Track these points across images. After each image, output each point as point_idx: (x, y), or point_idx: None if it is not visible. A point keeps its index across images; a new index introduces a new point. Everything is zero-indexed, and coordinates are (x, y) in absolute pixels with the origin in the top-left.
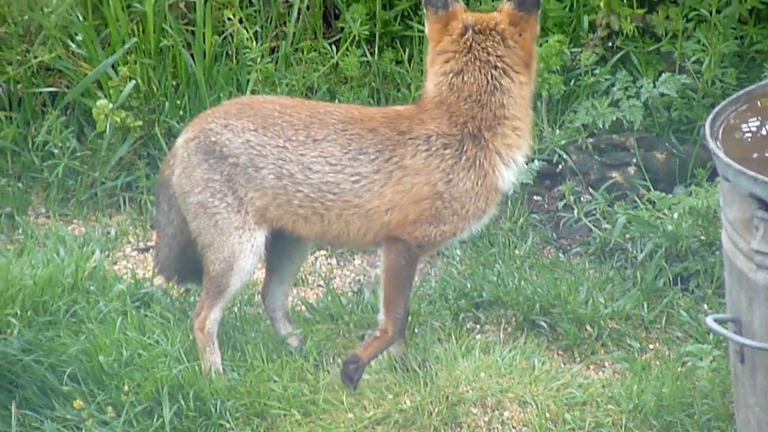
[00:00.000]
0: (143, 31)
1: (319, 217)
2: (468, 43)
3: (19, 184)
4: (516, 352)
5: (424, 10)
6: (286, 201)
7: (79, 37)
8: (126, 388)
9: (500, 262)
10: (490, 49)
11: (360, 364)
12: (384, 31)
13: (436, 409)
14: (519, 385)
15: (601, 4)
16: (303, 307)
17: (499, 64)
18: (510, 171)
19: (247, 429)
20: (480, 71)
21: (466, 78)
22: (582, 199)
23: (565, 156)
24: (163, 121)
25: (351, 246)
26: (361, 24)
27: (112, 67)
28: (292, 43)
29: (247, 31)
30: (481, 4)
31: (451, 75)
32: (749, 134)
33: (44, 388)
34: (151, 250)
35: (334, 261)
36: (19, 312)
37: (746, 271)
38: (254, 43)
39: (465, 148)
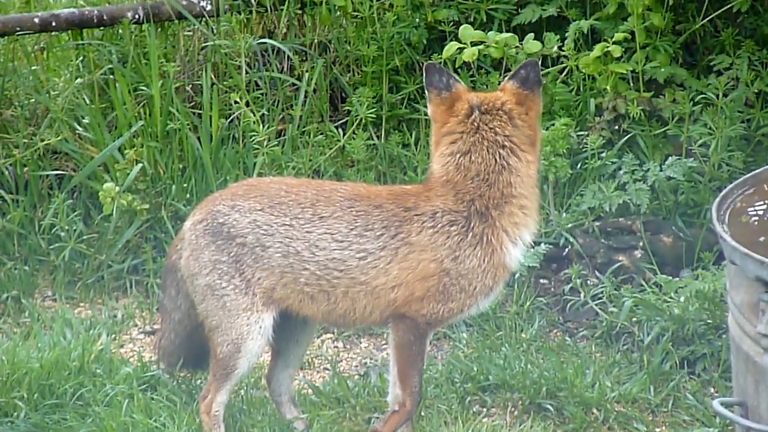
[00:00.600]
0: (150, 114)
1: (325, 295)
2: (475, 124)
3: (26, 267)
4: None
5: (427, 92)
6: (292, 279)
7: (85, 120)
8: None
9: (507, 345)
10: (497, 129)
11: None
12: (390, 114)
13: None
14: None
15: (608, 88)
16: (309, 390)
17: (506, 143)
18: (517, 249)
19: None
20: (488, 151)
21: (473, 158)
22: (589, 282)
23: (571, 239)
24: (169, 204)
25: (357, 326)
26: (368, 107)
27: (119, 150)
28: (298, 126)
29: (254, 114)
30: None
31: (458, 155)
32: (756, 218)
33: None
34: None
35: (340, 344)
36: (25, 395)
37: (753, 355)
38: (261, 126)
39: (471, 224)
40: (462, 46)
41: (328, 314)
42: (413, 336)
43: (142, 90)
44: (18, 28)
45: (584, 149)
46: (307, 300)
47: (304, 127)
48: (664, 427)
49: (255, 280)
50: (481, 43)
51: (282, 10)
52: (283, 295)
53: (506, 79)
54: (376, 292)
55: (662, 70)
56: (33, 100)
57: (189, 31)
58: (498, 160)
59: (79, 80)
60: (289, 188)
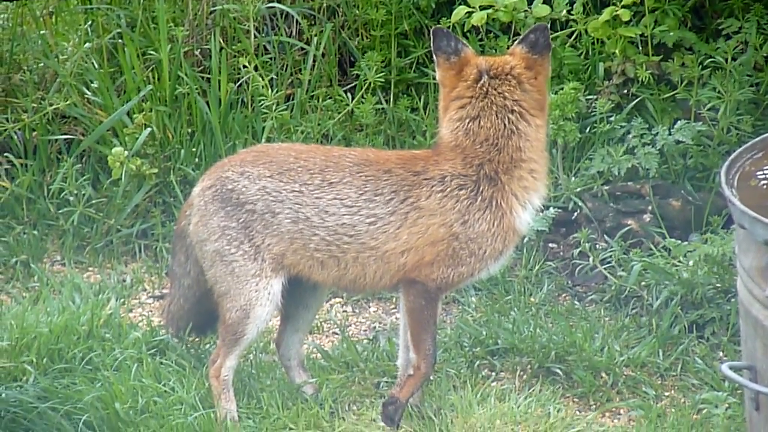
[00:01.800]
0: (158, 79)
1: (335, 260)
2: (484, 89)
3: (35, 232)
4: (531, 399)
5: (435, 57)
6: (302, 246)
7: (94, 85)
8: None
9: (515, 309)
10: (506, 94)
11: (398, 404)
12: (399, 78)
13: None
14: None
15: (617, 52)
16: (318, 355)
17: (515, 108)
18: (527, 212)
19: None
20: (497, 116)
21: (482, 123)
22: (597, 246)
23: (580, 203)
24: (178, 169)
25: (367, 291)
26: (376, 71)
27: (128, 114)
28: (307, 91)
29: (263, 79)
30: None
31: (467, 120)
32: (765, 181)
33: None
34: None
35: (349, 308)
36: (34, 360)
37: (762, 319)
38: (269, 90)
39: (481, 189)
40: (471, 10)
41: (338, 280)
42: (424, 300)
43: (150, 54)
44: None
45: (593, 113)
46: (317, 266)
47: (312, 92)
48: (672, 391)
49: (264, 246)
50: (490, 7)
51: None
52: (293, 262)
53: (515, 43)
54: (386, 257)
55: (671, 33)
56: (42, 64)
57: None
58: (507, 124)
59: (87, 44)
60: (298, 154)
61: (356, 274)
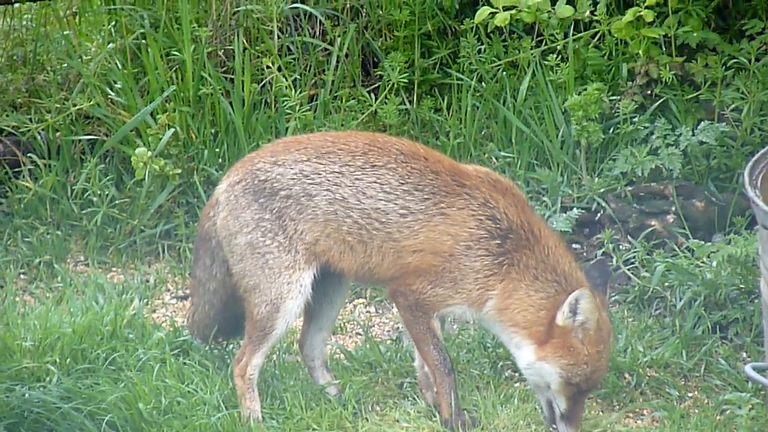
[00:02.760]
0: (182, 79)
1: (363, 246)
2: None
3: (58, 232)
4: None
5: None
6: (335, 228)
7: (118, 85)
8: None
9: None
10: None
11: (451, 421)
12: (422, 79)
13: None
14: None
15: (640, 52)
16: (342, 356)
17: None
18: (491, 303)
19: None
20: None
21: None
22: (621, 247)
23: (603, 204)
24: (201, 169)
25: (376, 280)
26: (400, 72)
27: (151, 115)
28: (330, 91)
29: (286, 79)
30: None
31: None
32: None
33: None
34: (189, 298)
35: (372, 309)
36: (58, 360)
37: None
38: (293, 91)
39: (504, 241)
40: (494, 10)
41: (361, 267)
42: (411, 315)
43: (174, 55)
44: None
45: (616, 114)
46: (347, 251)
47: (336, 92)
48: (696, 392)
49: (298, 235)
50: (513, 7)
51: None
52: (325, 247)
53: None
54: (402, 252)
55: (695, 34)
56: (65, 65)
57: None
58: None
59: (111, 45)
60: (336, 139)
61: (376, 263)
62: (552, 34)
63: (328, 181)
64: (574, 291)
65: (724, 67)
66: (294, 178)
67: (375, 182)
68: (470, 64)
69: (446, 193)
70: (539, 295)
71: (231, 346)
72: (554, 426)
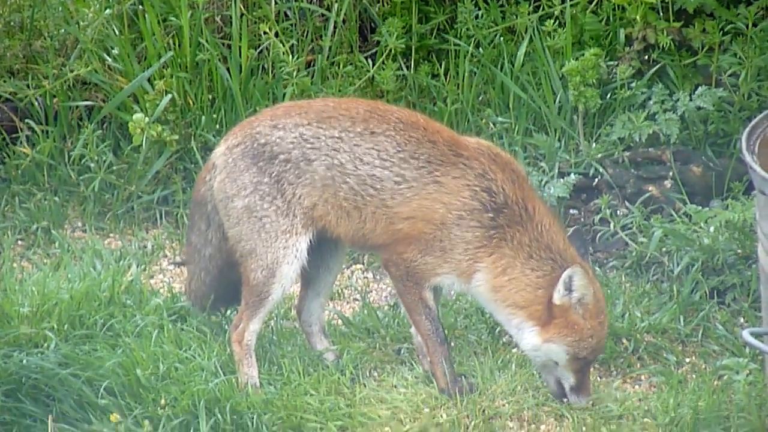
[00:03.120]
0: (179, 45)
1: (358, 212)
2: None
3: (56, 198)
4: None
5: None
6: (333, 194)
7: (115, 51)
8: (163, 401)
9: None
10: None
11: (448, 389)
12: (420, 44)
13: (473, 423)
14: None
15: (638, 18)
16: (339, 321)
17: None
18: (480, 276)
19: None
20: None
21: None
22: (618, 212)
23: (601, 170)
24: (199, 135)
25: (368, 247)
26: (397, 38)
27: (148, 80)
28: (328, 57)
29: (283, 45)
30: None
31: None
32: None
33: (81, 402)
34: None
35: (370, 275)
36: (55, 326)
37: None
38: (290, 57)
39: (497, 216)
40: None
41: (356, 233)
42: (403, 285)
43: (171, 21)
44: None
45: (614, 79)
46: (343, 216)
47: (333, 58)
48: (693, 357)
49: (296, 199)
50: None
51: None
52: (323, 212)
53: None
54: (394, 218)
55: (692, 0)
56: (62, 31)
57: None
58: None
59: (108, 11)
60: (338, 104)
61: (370, 229)
62: (549, 0)
63: (327, 146)
64: (568, 267)
65: (721, 33)
66: (293, 142)
67: (372, 149)
68: (467, 29)
69: (441, 162)
70: (536, 273)
71: (229, 312)
72: (565, 399)
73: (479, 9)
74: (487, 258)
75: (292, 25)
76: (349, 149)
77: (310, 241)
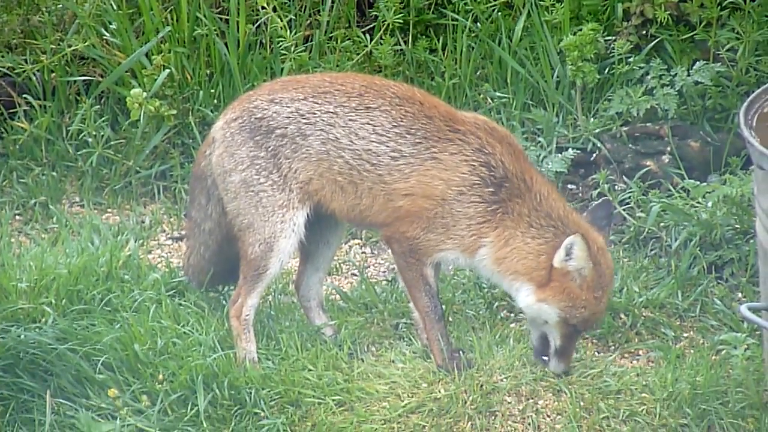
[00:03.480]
0: (177, 20)
1: (353, 187)
2: None
3: (54, 173)
4: None
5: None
6: (327, 168)
7: (113, 26)
8: (161, 376)
9: None
10: None
11: (444, 364)
12: (418, 19)
13: (471, 398)
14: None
15: None
16: (337, 296)
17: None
18: (485, 250)
19: (282, 417)
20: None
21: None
22: (616, 187)
23: (599, 144)
24: (197, 110)
25: (367, 224)
26: (395, 12)
27: (146, 55)
28: (326, 32)
29: (281, 20)
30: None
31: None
32: None
33: (79, 377)
34: (185, 240)
35: (368, 250)
36: (53, 301)
37: None
38: (288, 31)
39: (498, 190)
40: None
41: (351, 209)
42: (405, 262)
43: None
44: None
45: (612, 54)
46: (338, 191)
47: (331, 33)
48: (691, 332)
49: (292, 173)
50: None
51: None
52: (318, 187)
53: None
54: (392, 195)
55: None
56: (60, 5)
57: None
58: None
59: None
60: (334, 79)
61: (366, 205)
62: None
63: (323, 121)
64: (572, 233)
65: (719, 7)
66: (290, 117)
67: (368, 123)
68: (465, 4)
69: (438, 138)
70: (537, 241)
71: (226, 287)
72: (544, 357)
73: None
74: (492, 233)
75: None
76: (344, 124)
77: (308, 216)
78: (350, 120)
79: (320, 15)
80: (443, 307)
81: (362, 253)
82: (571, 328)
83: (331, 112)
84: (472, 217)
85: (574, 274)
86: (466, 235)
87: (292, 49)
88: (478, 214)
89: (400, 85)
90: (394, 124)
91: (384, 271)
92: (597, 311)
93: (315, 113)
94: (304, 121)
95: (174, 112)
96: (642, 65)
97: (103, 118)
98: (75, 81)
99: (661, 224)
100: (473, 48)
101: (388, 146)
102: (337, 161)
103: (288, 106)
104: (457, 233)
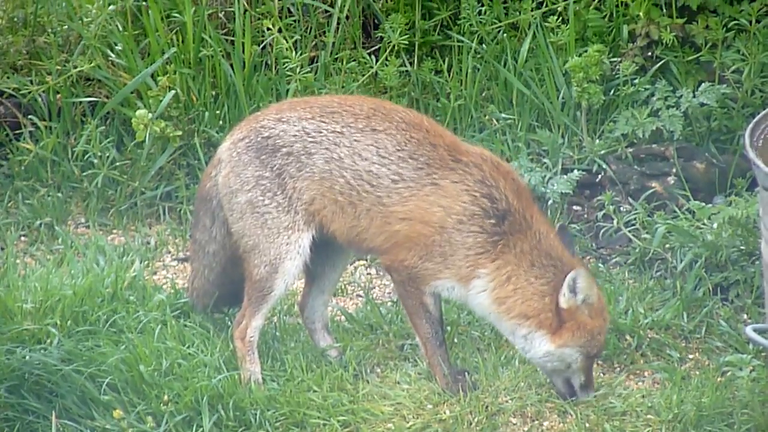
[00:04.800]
0: (183, 41)
1: (352, 207)
2: None
3: (59, 194)
4: None
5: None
6: (329, 187)
7: (118, 47)
8: (165, 397)
9: None
10: None
11: (448, 386)
12: (423, 40)
13: (476, 419)
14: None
15: (641, 14)
16: (342, 318)
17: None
18: (479, 281)
19: None
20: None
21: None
22: (621, 209)
23: (604, 166)
24: (202, 131)
25: (365, 248)
26: (401, 34)
27: (152, 76)
28: (331, 53)
29: (287, 41)
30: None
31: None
32: None
33: (84, 398)
34: (189, 264)
35: (373, 271)
36: (58, 322)
37: None
38: (293, 52)
39: (500, 223)
40: None
41: (349, 230)
42: (404, 290)
43: (174, 17)
44: None
45: (617, 75)
46: (338, 212)
47: (336, 54)
48: (697, 354)
49: (296, 193)
50: None
51: None
52: (320, 207)
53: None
54: (389, 218)
55: None
56: (66, 26)
57: None
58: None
59: (111, 7)
60: (343, 101)
61: (364, 227)
62: None
63: (328, 140)
64: (569, 272)
65: (724, 29)
66: (296, 135)
67: (372, 145)
68: (471, 25)
69: (440, 165)
70: (540, 281)
71: (233, 309)
72: (573, 397)
73: (482, 5)
74: (490, 264)
75: (295, 21)
76: (349, 144)
77: (314, 238)
78: (355, 140)
79: (326, 36)
80: (448, 328)
81: (367, 274)
82: (592, 359)
83: (338, 132)
84: (470, 247)
85: (583, 307)
86: (462, 265)
87: (298, 70)
88: (477, 244)
89: (409, 111)
90: (398, 147)
91: (389, 293)
92: (606, 331)
93: (321, 132)
94: (310, 139)
95: (179, 133)
96: (647, 86)
97: (108, 139)
98: (80, 102)
99: (667, 245)
100: (479, 69)
101: (389, 169)
102: (339, 181)
103: (295, 125)
104: (455, 263)
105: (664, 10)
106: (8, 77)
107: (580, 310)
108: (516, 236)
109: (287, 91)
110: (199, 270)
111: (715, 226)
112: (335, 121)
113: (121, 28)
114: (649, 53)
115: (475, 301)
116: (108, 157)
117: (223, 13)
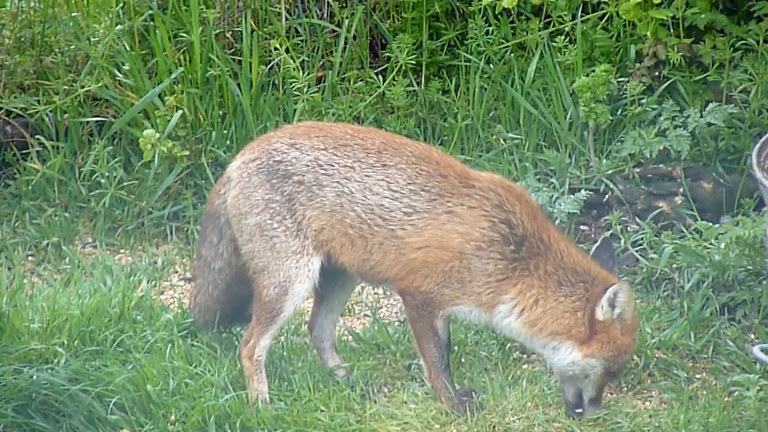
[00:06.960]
0: (190, 61)
1: (363, 241)
2: None
3: (66, 214)
4: None
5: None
6: (339, 220)
7: (125, 67)
8: (173, 417)
9: None
10: None
11: (452, 405)
12: (431, 60)
13: None
14: (565, 415)
15: (648, 34)
16: (350, 337)
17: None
18: (504, 307)
19: None
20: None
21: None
22: (629, 228)
23: (611, 186)
24: (209, 151)
25: (379, 280)
26: (408, 53)
27: (159, 96)
28: (338, 73)
29: (294, 61)
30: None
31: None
32: None
33: (91, 418)
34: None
35: (380, 291)
36: (66, 341)
37: None
38: (301, 72)
39: (519, 247)
40: None
41: (362, 264)
42: (416, 314)
43: (182, 36)
44: None
45: (624, 95)
46: (347, 244)
47: (344, 74)
48: (704, 374)
49: (306, 221)
50: None
51: None
52: (328, 237)
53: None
54: (405, 249)
55: (702, 16)
56: (73, 46)
57: None
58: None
59: (119, 27)
60: (356, 133)
61: (377, 261)
62: (560, 16)
63: (340, 173)
64: (601, 285)
65: (732, 49)
66: (308, 165)
67: (382, 180)
68: (478, 45)
69: (452, 193)
70: (570, 299)
71: (238, 327)
72: (578, 411)
73: (490, 25)
74: (512, 289)
75: (302, 41)
76: (360, 179)
77: (323, 261)
78: (366, 176)
79: (333, 56)
80: (455, 348)
81: (375, 294)
82: (609, 376)
83: (349, 166)
84: (491, 273)
85: (617, 322)
86: (483, 292)
87: (305, 90)
88: (497, 270)
89: (418, 144)
90: (409, 181)
91: (396, 312)
92: (632, 351)
93: (333, 165)
94: (322, 171)
95: (187, 152)
96: (655, 106)
97: (115, 159)
98: (88, 122)
99: (674, 265)
100: (486, 89)
101: (401, 202)
102: (350, 214)
103: (308, 154)
104: (474, 289)
105: (672, 30)
106: (15, 97)
107: (613, 324)
108: (535, 260)
109: (294, 111)
110: (203, 286)
111: (722, 246)
112: (347, 155)
113: (128, 48)
114: (657, 73)
115: (502, 323)
116: (115, 176)
117: (230, 33)
